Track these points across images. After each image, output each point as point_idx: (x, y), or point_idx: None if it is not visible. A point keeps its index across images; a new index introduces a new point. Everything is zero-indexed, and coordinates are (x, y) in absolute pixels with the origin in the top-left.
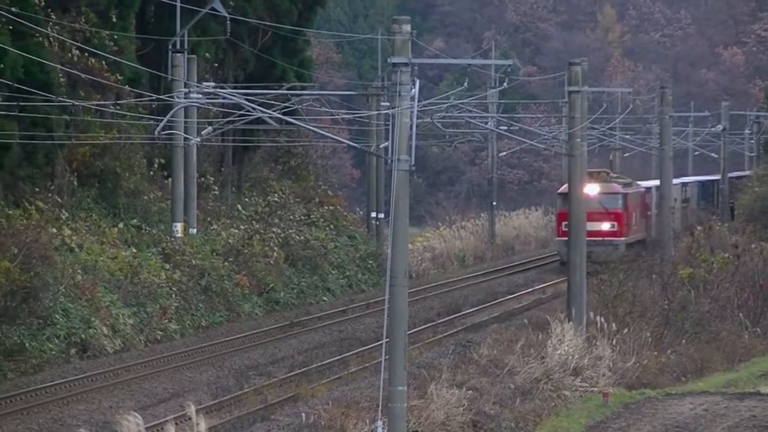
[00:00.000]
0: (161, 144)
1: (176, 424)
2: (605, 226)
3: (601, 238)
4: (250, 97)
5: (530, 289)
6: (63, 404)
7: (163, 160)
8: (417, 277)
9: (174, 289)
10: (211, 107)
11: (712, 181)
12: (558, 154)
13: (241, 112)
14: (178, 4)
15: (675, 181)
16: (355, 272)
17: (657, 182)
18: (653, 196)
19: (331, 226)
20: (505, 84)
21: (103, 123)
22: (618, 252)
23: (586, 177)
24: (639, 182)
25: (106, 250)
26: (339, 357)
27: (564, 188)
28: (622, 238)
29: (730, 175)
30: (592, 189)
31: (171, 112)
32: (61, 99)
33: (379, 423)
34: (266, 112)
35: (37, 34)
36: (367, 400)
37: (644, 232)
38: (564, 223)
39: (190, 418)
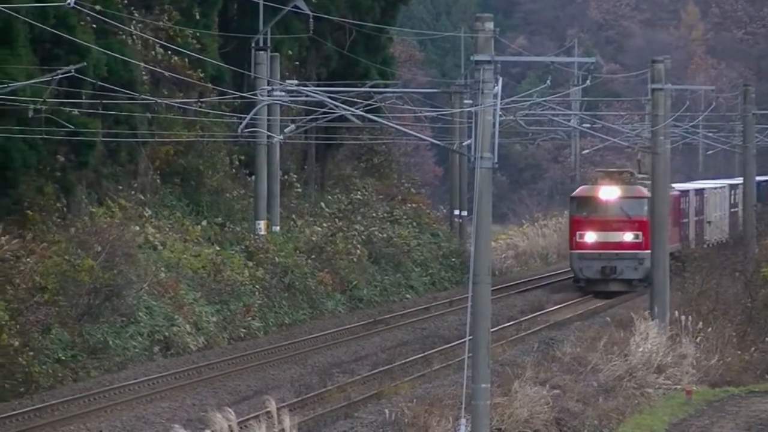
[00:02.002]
0: (244, 142)
1: (260, 421)
2: (627, 236)
3: (621, 251)
4: (333, 95)
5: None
6: (146, 402)
7: (245, 158)
8: (500, 274)
9: (257, 286)
10: (294, 105)
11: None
12: (641, 151)
13: (324, 109)
14: (261, 2)
15: (721, 182)
16: (438, 270)
17: (696, 184)
18: (691, 201)
19: (414, 224)
20: (587, 81)
21: (186, 121)
22: (642, 267)
23: (602, 178)
24: (673, 185)
25: (189, 248)
26: (422, 354)
27: (580, 191)
28: (648, 251)
29: None
30: (611, 192)
31: (254, 110)
32: (144, 97)
33: (463, 421)
34: (349, 110)
35: (121, 32)
36: (450, 397)
37: (678, 243)
38: (579, 232)
39: (273, 416)
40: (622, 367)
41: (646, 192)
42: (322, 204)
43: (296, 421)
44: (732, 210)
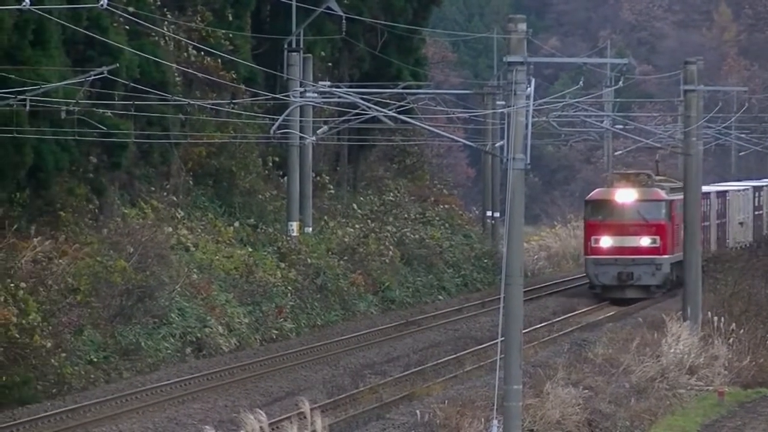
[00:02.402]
0: (277, 143)
1: (292, 422)
2: (645, 240)
3: (638, 256)
4: (365, 96)
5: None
6: (178, 403)
7: (278, 159)
8: (532, 275)
9: (289, 288)
10: (326, 106)
11: None
12: (674, 153)
13: (357, 110)
14: (294, 4)
15: (745, 184)
16: (470, 271)
17: (719, 186)
18: (712, 204)
19: (447, 225)
20: (620, 83)
21: (218, 122)
22: (660, 273)
23: (618, 180)
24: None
25: (222, 249)
26: (454, 356)
27: (595, 194)
28: (666, 256)
29: None
30: (627, 195)
31: (287, 111)
32: (177, 98)
33: (495, 422)
34: (382, 111)
35: (153, 34)
36: (482, 399)
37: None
38: (594, 237)
39: (305, 417)
40: (654, 368)
41: (663, 195)
42: (355, 205)
43: (328, 422)
44: (756, 213)
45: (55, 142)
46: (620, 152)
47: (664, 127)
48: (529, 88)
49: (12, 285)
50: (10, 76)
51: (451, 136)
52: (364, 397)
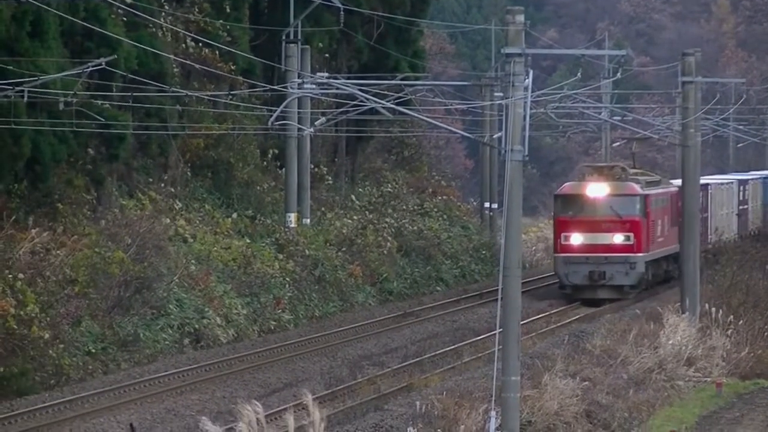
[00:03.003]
0: (275, 134)
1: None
2: (617, 238)
3: (611, 255)
4: (363, 88)
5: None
6: (176, 394)
7: (276, 151)
8: (530, 267)
9: (287, 279)
10: (324, 98)
11: None
12: (672, 144)
13: (355, 102)
14: None
15: (729, 177)
16: (468, 262)
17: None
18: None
19: (445, 217)
20: (618, 74)
21: (216, 113)
22: (635, 273)
23: (590, 173)
24: (672, 180)
25: (220, 241)
26: (452, 347)
27: (565, 188)
28: (641, 254)
29: None
30: (599, 190)
31: (284, 103)
32: (175, 89)
33: (493, 413)
34: (380, 103)
35: (151, 25)
36: (480, 390)
37: (677, 243)
38: (564, 234)
39: (304, 408)
40: (652, 359)
41: (638, 189)
42: (353, 196)
43: (326, 413)
44: (741, 207)
45: (53, 134)
46: (618, 144)
47: (662, 119)
48: (527, 80)
49: (10, 276)
50: (8, 67)
51: (449, 127)
52: (362, 388)
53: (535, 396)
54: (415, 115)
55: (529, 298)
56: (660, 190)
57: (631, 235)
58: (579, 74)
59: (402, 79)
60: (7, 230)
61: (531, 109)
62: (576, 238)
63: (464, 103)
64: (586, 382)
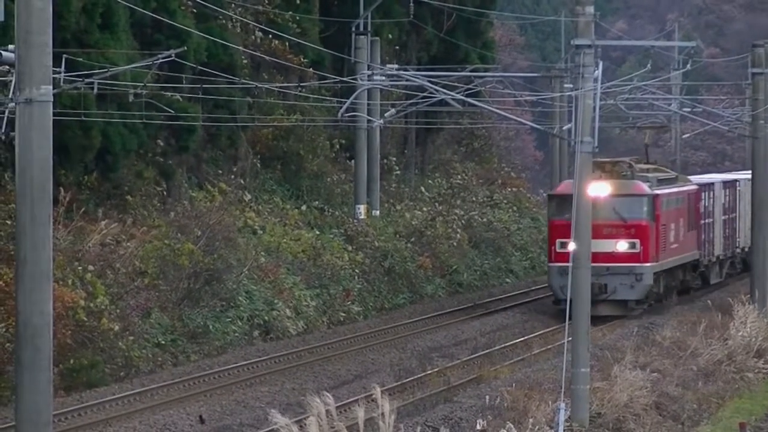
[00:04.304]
0: (344, 126)
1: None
2: (621, 245)
3: (614, 264)
4: (433, 79)
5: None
6: (246, 386)
7: (345, 142)
8: None
9: (357, 271)
10: (394, 89)
11: None
12: (742, 136)
13: (425, 94)
14: None
15: (706, 178)
16: (537, 254)
17: (727, 175)
18: (716, 197)
19: (514, 208)
20: (688, 66)
21: (286, 105)
22: (641, 285)
23: (594, 170)
24: (691, 177)
25: (289, 232)
26: (522, 339)
27: (562, 187)
28: (648, 264)
29: None
30: (600, 189)
31: (354, 95)
32: (245, 81)
33: (562, 405)
34: (449, 94)
35: (221, 17)
36: (549, 382)
37: (695, 250)
38: (560, 240)
39: (374, 400)
40: (721, 351)
41: (646, 188)
42: (422, 188)
43: (395, 405)
44: (727, 215)
45: (122, 126)
46: (688, 135)
47: (732, 111)
48: (596, 71)
49: (80, 268)
50: (78, 59)
51: (519, 119)
52: (431, 380)
53: (605, 388)
54: (485, 106)
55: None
56: (674, 189)
57: (638, 241)
58: (648, 65)
59: (471, 71)
60: (77, 222)
61: (600, 100)
62: (573, 246)
63: (534, 95)
64: (656, 374)
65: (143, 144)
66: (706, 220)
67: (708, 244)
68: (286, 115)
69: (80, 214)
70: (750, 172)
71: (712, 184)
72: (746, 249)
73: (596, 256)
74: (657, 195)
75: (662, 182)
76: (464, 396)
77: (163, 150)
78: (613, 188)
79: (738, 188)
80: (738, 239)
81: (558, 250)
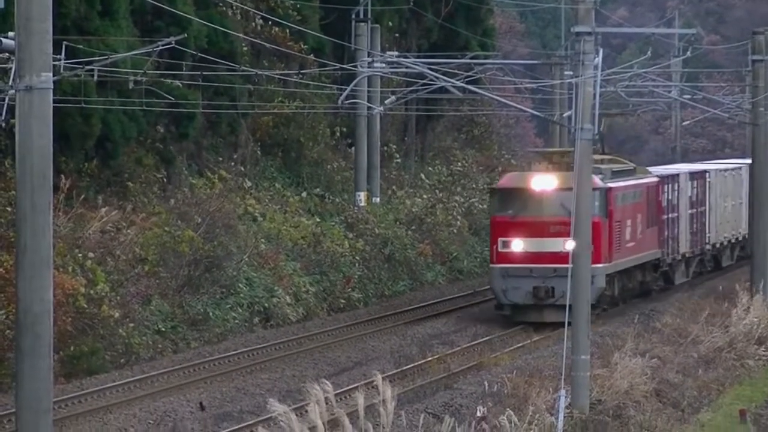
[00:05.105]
0: (345, 113)
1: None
2: (569, 244)
3: (562, 266)
4: (433, 67)
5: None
6: (246, 373)
7: (346, 130)
8: None
9: (357, 257)
10: (394, 76)
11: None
12: (742, 123)
13: (425, 81)
14: None
15: (738, 162)
16: None
17: (695, 166)
18: (682, 189)
19: None
20: (688, 53)
21: (286, 92)
22: (593, 289)
23: (537, 161)
24: (651, 168)
25: (289, 219)
26: (522, 326)
27: (505, 180)
28: (601, 265)
29: None
30: (547, 182)
31: (354, 82)
32: (245, 68)
33: (563, 392)
34: (449, 81)
35: (221, 4)
36: (550, 369)
37: (656, 248)
38: (502, 239)
39: (374, 387)
40: (722, 338)
41: (598, 181)
42: (422, 175)
43: (396, 392)
44: (693, 210)
45: (123, 113)
46: (688, 122)
47: (732, 98)
48: (596, 59)
49: (80, 255)
50: (78, 46)
51: (519, 106)
52: (431, 367)
53: (605, 375)
54: (485, 93)
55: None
56: (631, 182)
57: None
58: (649, 53)
59: (472, 58)
60: (77, 209)
61: (601, 87)
62: (517, 245)
63: (534, 82)
64: (655, 359)
65: (143, 131)
66: (670, 215)
67: (672, 242)
68: (286, 102)
69: (80, 201)
70: (728, 161)
71: (677, 175)
72: (717, 245)
73: (542, 257)
74: (610, 188)
75: (618, 174)
76: (464, 383)
77: (163, 137)
78: (560, 181)
79: (708, 179)
80: (708, 235)
81: (500, 250)
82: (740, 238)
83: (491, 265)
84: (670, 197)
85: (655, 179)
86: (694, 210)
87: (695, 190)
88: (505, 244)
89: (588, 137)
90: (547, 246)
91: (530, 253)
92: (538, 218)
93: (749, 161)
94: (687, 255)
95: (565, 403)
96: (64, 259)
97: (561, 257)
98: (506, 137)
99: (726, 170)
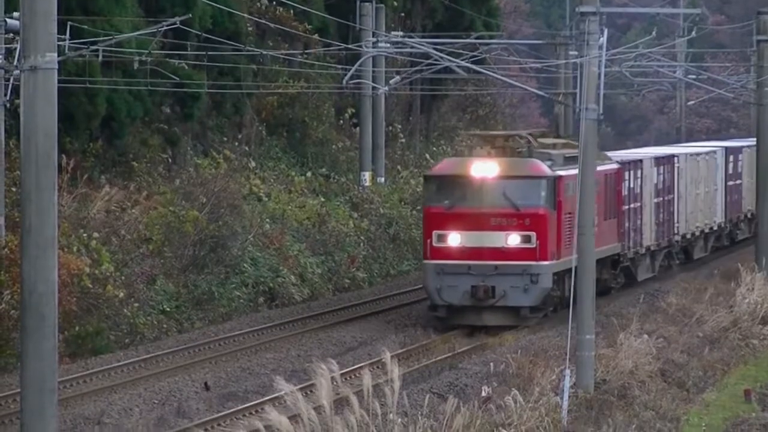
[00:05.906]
0: (349, 93)
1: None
2: (513, 239)
3: (504, 262)
4: (438, 47)
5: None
6: (251, 353)
7: (351, 110)
8: None
9: (362, 237)
10: (399, 56)
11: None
12: (747, 103)
13: (429, 61)
14: None
15: (712, 145)
16: None
17: (660, 150)
18: (646, 176)
19: None
20: (693, 33)
21: (291, 72)
22: (537, 289)
23: (479, 145)
24: (610, 153)
25: (294, 199)
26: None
27: (441, 167)
28: (547, 262)
29: None
30: (488, 169)
31: (359, 62)
32: (250, 48)
33: (567, 371)
34: (454, 62)
35: None
36: (555, 349)
37: (615, 242)
38: (437, 232)
39: (379, 366)
40: (727, 318)
41: (545, 169)
42: (427, 155)
43: (401, 372)
44: (730, 183)
45: (128, 93)
46: (693, 102)
47: (737, 78)
48: (601, 39)
49: (85, 235)
50: (83, 26)
51: (524, 86)
52: (436, 346)
53: (610, 355)
54: (490, 73)
55: None
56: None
57: (533, 234)
58: (654, 33)
59: (476, 38)
60: (82, 189)
61: (605, 67)
62: (454, 239)
63: (539, 62)
64: (660, 339)
65: (148, 111)
66: (631, 205)
67: (634, 234)
68: (291, 82)
69: (84, 181)
70: (701, 144)
71: (640, 161)
72: (688, 236)
73: (481, 252)
74: (560, 177)
75: (570, 161)
76: (469, 363)
77: (168, 117)
78: (502, 168)
79: (676, 164)
80: (677, 225)
81: (435, 245)
82: (715, 228)
83: (424, 261)
84: (632, 185)
85: (615, 166)
86: (661, 198)
87: (662, 176)
88: (441, 238)
89: (593, 117)
90: (488, 240)
91: (468, 248)
92: (477, 209)
93: (727, 144)
94: (652, 248)
95: (570, 383)
96: (69, 239)
97: (503, 253)
98: (511, 117)
99: (698, 154)
